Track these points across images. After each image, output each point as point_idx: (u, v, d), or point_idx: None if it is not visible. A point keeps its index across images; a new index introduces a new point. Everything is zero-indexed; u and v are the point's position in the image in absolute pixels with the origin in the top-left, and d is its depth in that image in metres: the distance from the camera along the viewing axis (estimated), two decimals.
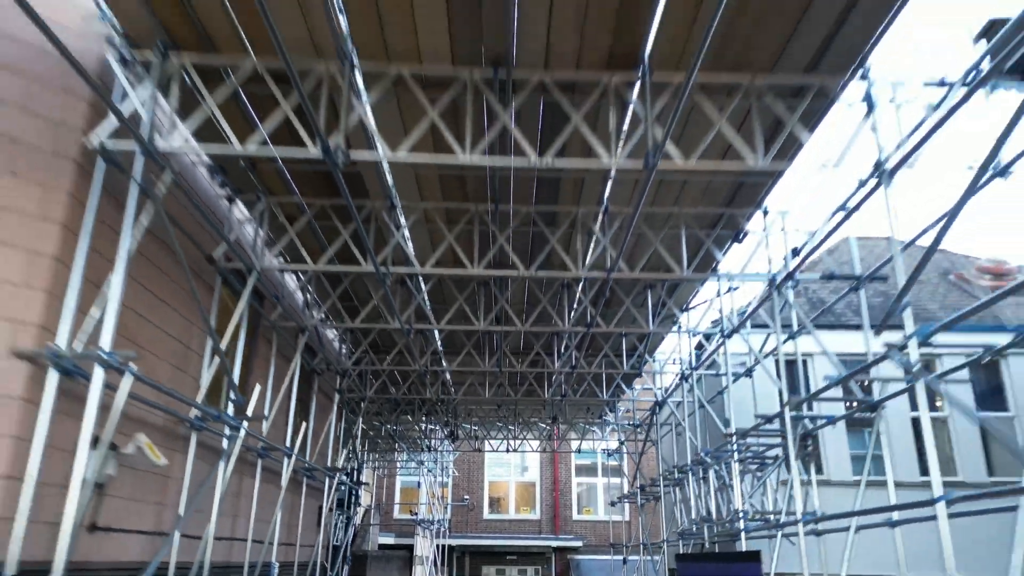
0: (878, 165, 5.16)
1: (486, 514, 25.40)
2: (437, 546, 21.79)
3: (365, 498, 20.58)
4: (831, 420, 7.26)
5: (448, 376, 13.06)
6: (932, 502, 4.61)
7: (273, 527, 8.08)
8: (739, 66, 5.30)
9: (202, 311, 6.07)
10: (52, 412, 4.46)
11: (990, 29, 5.08)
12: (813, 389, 9.39)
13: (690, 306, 10.01)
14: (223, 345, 6.53)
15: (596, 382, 13.06)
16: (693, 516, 10.05)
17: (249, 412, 6.72)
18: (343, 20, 5.01)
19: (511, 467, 26.03)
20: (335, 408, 10.67)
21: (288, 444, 8.62)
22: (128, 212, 4.91)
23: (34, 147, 4.83)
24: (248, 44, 5.18)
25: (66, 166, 4.89)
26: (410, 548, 21.15)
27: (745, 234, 7.80)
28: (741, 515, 7.89)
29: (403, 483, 26.49)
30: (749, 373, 9.22)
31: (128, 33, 5.12)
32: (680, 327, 10.56)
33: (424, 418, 16.48)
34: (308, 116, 4.72)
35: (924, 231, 6.02)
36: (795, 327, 8.03)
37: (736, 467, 8.12)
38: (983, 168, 4.60)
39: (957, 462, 11.24)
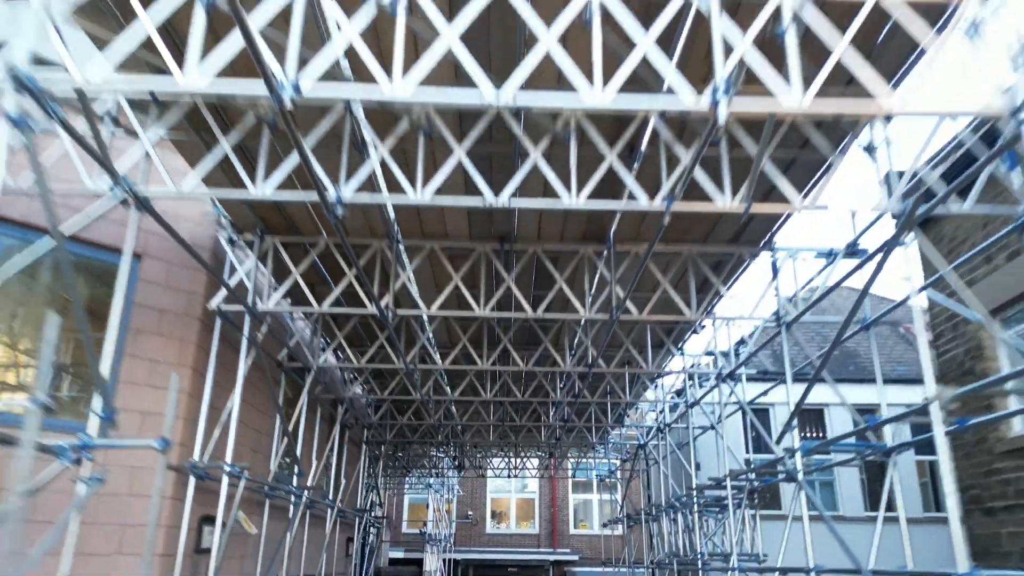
0: (778, 317, 7.10)
1: (488, 528, 27.33)
2: (443, 560, 23.73)
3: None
4: (767, 482, 9.19)
5: (452, 407, 14.88)
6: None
7: (321, 565, 10.02)
8: (680, 240, 7.23)
9: (277, 407, 8.02)
10: (191, 504, 6.39)
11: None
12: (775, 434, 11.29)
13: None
14: (289, 426, 8.47)
15: (601, 409, 14.68)
16: (666, 549, 12.00)
17: (310, 482, 8.67)
18: (391, 212, 6.95)
19: (512, 484, 27.97)
20: (363, 457, 12.65)
21: (331, 496, 10.57)
22: (241, 356, 6.86)
23: (173, 313, 6.76)
24: (322, 228, 7.12)
25: (194, 324, 6.83)
26: (419, 563, 23.11)
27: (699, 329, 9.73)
28: (699, 555, 9.82)
29: (411, 499, 28.45)
30: (714, 427, 11.13)
31: (234, 222, 7.05)
32: (656, 385, 12.49)
33: (433, 450, 18.39)
34: (364, 284, 6.65)
35: (808, 363, 7.94)
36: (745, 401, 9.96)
37: (695, 516, 10.07)
38: (846, 323, 6.51)
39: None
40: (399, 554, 24.97)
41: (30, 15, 3.69)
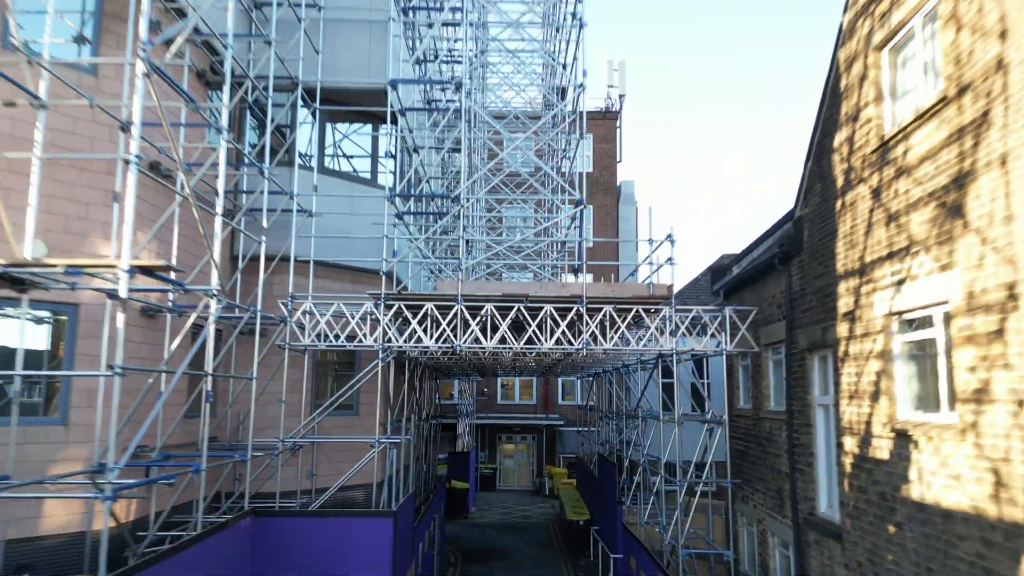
0: (661, 355, 14.76)
1: (499, 400, 36.48)
2: (468, 424, 32.94)
3: None
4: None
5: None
6: None
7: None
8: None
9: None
10: None
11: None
12: None
13: None
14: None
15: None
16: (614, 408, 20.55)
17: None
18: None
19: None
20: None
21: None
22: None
23: None
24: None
25: None
26: (452, 427, 32.27)
27: None
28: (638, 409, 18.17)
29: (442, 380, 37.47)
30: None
31: None
32: None
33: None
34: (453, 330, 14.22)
35: None
36: None
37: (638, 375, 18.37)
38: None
39: None
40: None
41: None
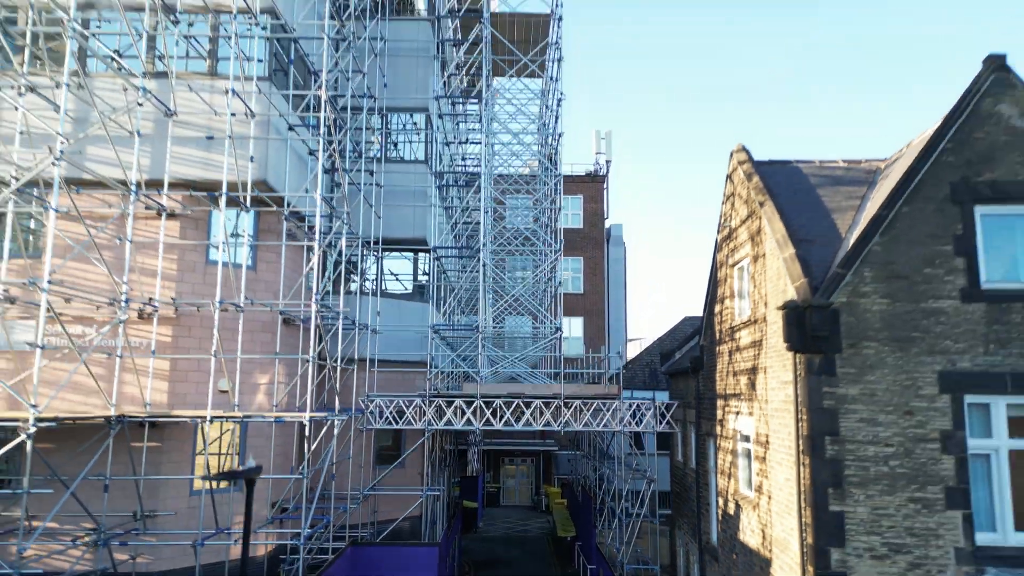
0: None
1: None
2: (477, 451, 38.51)
3: None
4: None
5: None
6: None
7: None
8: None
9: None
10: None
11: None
12: None
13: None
14: None
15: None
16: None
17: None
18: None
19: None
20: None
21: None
22: None
23: None
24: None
25: None
26: (464, 452, 37.81)
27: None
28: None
29: None
30: None
31: None
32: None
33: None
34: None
35: None
36: None
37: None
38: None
39: None
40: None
41: None
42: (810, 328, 9.31)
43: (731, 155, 13.71)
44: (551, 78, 22.47)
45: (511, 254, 35.11)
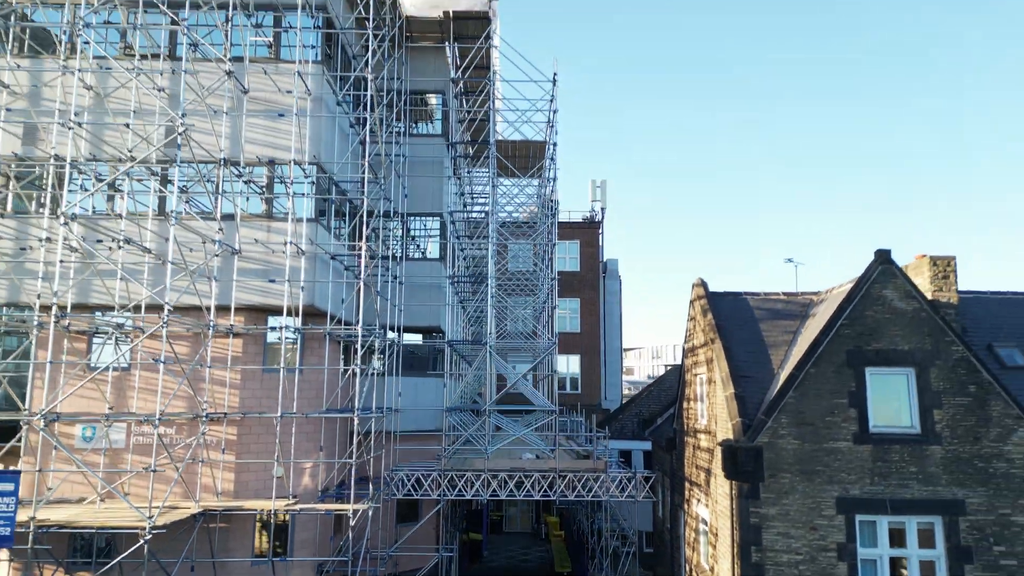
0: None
1: None
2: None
3: None
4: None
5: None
6: None
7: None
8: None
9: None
10: None
11: None
12: None
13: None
14: None
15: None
16: None
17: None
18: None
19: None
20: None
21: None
22: None
23: None
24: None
25: None
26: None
27: None
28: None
29: None
30: None
31: None
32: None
33: None
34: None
35: None
36: None
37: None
38: None
39: None
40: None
41: None
42: (740, 463, 12.34)
43: (692, 287, 16.75)
44: (550, 179, 25.57)
45: (510, 294, 38.29)
